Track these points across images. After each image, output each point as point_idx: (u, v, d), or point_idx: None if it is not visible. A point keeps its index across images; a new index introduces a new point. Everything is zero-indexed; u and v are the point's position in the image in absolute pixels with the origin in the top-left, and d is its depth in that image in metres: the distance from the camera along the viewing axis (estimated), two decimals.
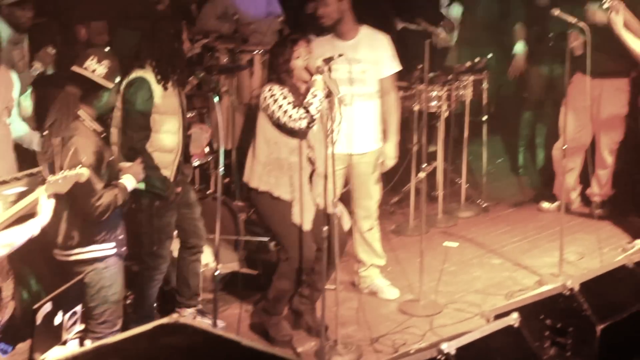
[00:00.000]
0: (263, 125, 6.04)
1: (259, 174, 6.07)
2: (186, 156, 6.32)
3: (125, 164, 5.67)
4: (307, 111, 5.88)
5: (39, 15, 7.21)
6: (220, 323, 6.43)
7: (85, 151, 5.16)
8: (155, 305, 6.40)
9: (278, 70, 6.01)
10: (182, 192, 6.25)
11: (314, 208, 6.11)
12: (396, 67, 6.84)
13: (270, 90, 5.99)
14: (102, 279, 5.34)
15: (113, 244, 5.40)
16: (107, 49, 6.45)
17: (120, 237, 5.49)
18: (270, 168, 6.03)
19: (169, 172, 6.08)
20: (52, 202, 4.79)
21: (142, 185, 5.83)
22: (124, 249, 5.52)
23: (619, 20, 7.19)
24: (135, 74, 6.02)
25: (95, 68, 5.31)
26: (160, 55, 6.01)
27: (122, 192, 5.33)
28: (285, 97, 5.95)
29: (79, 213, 5.24)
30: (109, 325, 5.45)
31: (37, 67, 6.90)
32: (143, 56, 6.04)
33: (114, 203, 5.25)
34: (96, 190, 5.16)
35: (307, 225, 6.07)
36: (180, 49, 6.13)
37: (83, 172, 4.92)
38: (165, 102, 6.01)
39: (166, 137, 6.00)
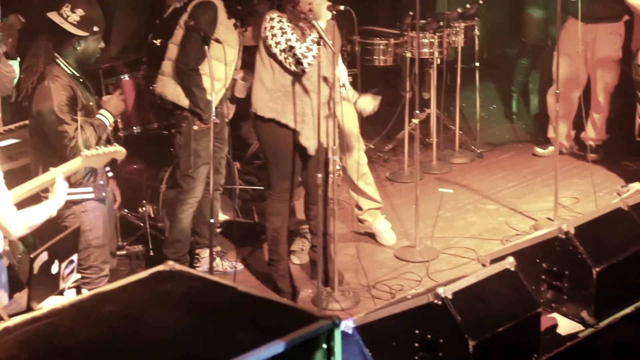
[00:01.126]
0: (266, 53, 5.94)
1: (265, 101, 5.96)
2: (232, 96, 6.39)
3: (105, 98, 5.69)
4: (307, 58, 5.79)
5: None
6: (239, 265, 6.61)
7: (57, 94, 5.23)
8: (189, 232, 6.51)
9: None
10: (219, 127, 6.27)
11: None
12: None
13: (271, 21, 5.86)
14: (82, 223, 5.32)
15: (90, 189, 5.44)
16: None
17: (101, 182, 5.52)
18: (277, 95, 5.92)
19: (211, 99, 6.11)
20: (67, 184, 4.82)
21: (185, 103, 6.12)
22: (104, 194, 5.54)
23: None
24: None
25: (68, 15, 5.36)
26: None
27: (97, 129, 5.34)
28: (284, 33, 5.80)
29: (55, 154, 5.26)
30: (96, 270, 5.51)
31: None
32: None
33: (88, 142, 5.25)
34: (69, 133, 5.19)
35: (312, 151, 6.02)
36: None
37: (122, 150, 5.07)
38: (226, 32, 6.11)
39: (219, 65, 5.98)
